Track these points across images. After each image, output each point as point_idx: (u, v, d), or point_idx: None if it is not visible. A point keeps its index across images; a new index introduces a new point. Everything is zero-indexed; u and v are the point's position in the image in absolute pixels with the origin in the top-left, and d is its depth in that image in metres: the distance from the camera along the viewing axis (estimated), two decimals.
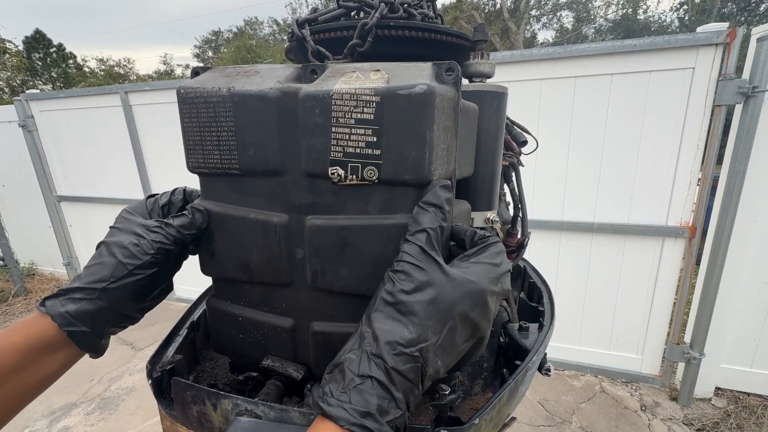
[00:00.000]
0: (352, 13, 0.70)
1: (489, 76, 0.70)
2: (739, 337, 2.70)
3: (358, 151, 0.45)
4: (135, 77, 31.11)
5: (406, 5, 0.67)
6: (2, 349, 0.45)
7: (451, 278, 0.41)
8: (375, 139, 0.44)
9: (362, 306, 0.44)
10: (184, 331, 0.65)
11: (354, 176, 0.45)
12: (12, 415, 0.46)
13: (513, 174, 0.87)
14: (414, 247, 0.41)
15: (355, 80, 0.46)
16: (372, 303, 0.42)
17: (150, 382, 0.56)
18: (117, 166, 4.27)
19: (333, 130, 0.45)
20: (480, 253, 0.45)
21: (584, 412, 2.77)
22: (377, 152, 0.44)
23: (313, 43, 0.66)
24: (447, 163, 0.47)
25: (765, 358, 2.69)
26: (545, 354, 0.70)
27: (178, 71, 33.21)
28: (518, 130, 0.90)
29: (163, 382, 0.56)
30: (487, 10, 21.21)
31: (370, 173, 0.44)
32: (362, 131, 0.44)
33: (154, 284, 0.54)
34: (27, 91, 4.48)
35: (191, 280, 4.81)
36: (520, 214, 0.89)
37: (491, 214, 0.70)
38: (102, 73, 30.00)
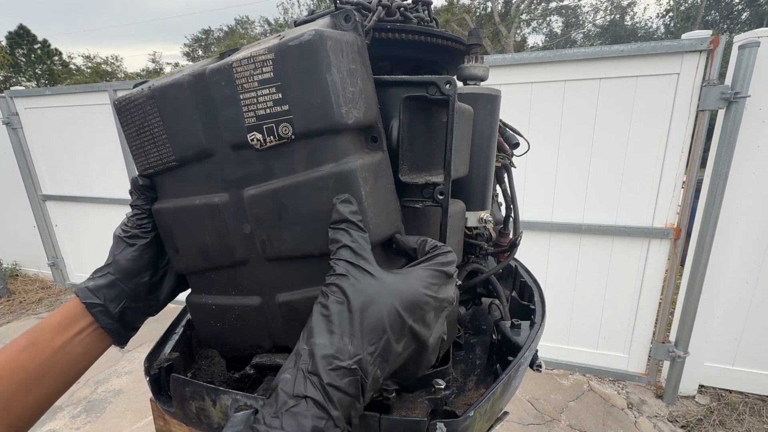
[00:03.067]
0: None
1: (483, 79, 0.72)
2: (722, 336, 2.77)
3: (268, 111, 0.45)
4: (123, 75, 30.60)
5: (402, 9, 0.68)
6: (40, 327, 0.52)
7: (384, 284, 0.41)
8: (280, 95, 0.44)
9: (316, 267, 0.44)
10: (180, 330, 0.65)
11: (271, 137, 0.46)
12: (49, 404, 0.51)
13: (505, 175, 0.89)
14: (340, 262, 0.41)
15: (254, 46, 0.48)
16: (308, 319, 0.41)
17: (148, 379, 0.56)
18: (105, 165, 4.20)
19: (241, 97, 0.46)
20: (427, 260, 0.45)
21: (573, 410, 2.82)
22: (286, 108, 0.45)
23: None
24: (365, 107, 0.46)
25: (746, 356, 2.77)
26: (536, 351, 0.72)
27: (168, 69, 32.80)
28: (510, 132, 0.92)
29: (161, 379, 0.56)
30: (478, 14, 21.41)
31: (285, 130, 0.45)
32: (267, 91, 0.45)
33: (154, 260, 0.60)
34: (12, 88, 4.38)
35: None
36: (512, 215, 0.91)
37: (485, 214, 0.72)
38: (89, 70, 29.44)
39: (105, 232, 4.49)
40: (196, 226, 0.55)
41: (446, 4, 21.73)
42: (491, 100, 0.69)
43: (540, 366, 0.70)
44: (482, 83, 0.73)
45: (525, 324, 0.72)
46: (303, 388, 0.36)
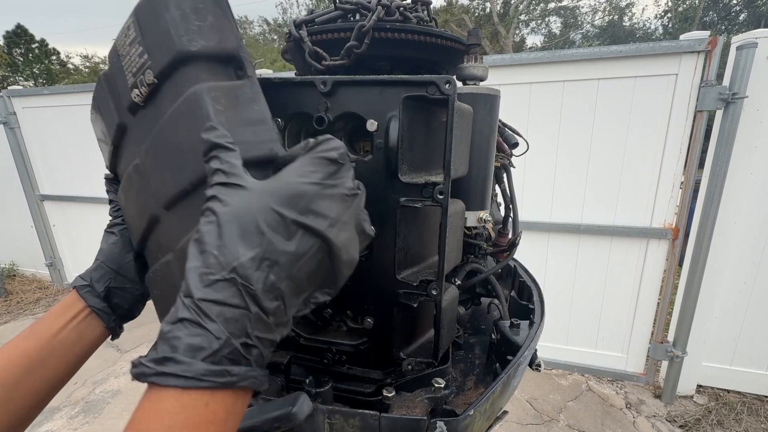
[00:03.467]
0: (349, 15, 0.71)
1: (482, 79, 0.72)
2: (720, 336, 2.78)
3: (137, 66, 0.49)
4: None
5: (402, 9, 0.68)
6: (43, 317, 0.55)
7: (256, 189, 0.38)
8: (141, 48, 0.48)
9: (198, 202, 0.44)
10: None
11: (143, 88, 0.49)
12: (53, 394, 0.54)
13: (504, 175, 0.90)
14: (212, 188, 0.39)
15: None
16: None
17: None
18: (102, 165, 4.17)
19: (122, 63, 0.51)
20: (306, 154, 0.42)
21: (571, 410, 2.82)
22: (146, 57, 0.48)
23: (311, 44, 0.66)
24: (217, 38, 0.47)
25: (744, 356, 2.78)
26: (536, 350, 0.72)
27: None
28: (510, 132, 0.92)
29: None
30: (477, 14, 21.43)
31: (149, 77, 0.48)
32: (134, 50, 0.49)
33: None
34: (9, 87, 4.37)
35: None
36: (511, 215, 0.91)
37: (484, 214, 0.72)
38: (87, 70, 29.33)
39: (102, 232, 4.48)
40: (128, 199, 0.58)
41: (445, 4, 21.76)
42: (491, 100, 0.69)
43: (539, 365, 0.70)
44: (482, 83, 0.73)
45: (524, 324, 0.72)
46: (178, 313, 0.34)
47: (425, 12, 0.76)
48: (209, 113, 0.44)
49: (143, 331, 3.98)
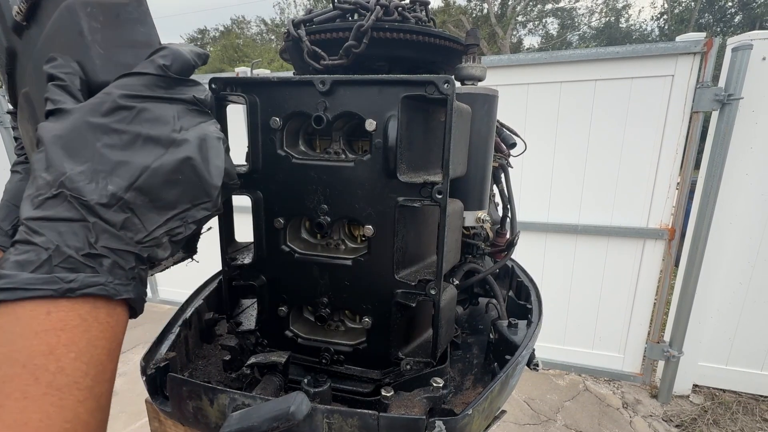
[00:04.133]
0: (347, 15, 0.71)
1: (480, 79, 0.72)
2: (716, 336, 2.80)
3: None
4: None
5: (400, 9, 0.68)
6: None
7: (77, 109, 0.37)
8: None
9: None
10: (176, 330, 0.64)
11: (23, 2, 0.45)
12: None
13: (502, 175, 0.90)
14: (42, 122, 0.38)
15: None
16: None
17: (144, 379, 0.55)
18: None
19: None
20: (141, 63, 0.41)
21: (568, 410, 2.83)
22: None
23: (309, 44, 0.66)
24: None
25: (740, 356, 2.80)
26: (534, 350, 0.72)
27: None
28: (507, 132, 0.92)
29: (157, 379, 0.56)
30: (474, 15, 21.48)
31: (22, 6, 0.45)
32: None
33: None
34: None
35: (175, 282, 4.67)
36: (509, 215, 0.92)
37: (482, 214, 0.72)
38: None
39: None
40: (24, 131, 0.55)
41: (443, 5, 21.81)
42: (489, 100, 0.69)
43: (537, 365, 0.70)
44: (480, 83, 0.73)
45: (522, 323, 0.72)
46: (12, 239, 0.35)
47: (423, 12, 0.76)
48: (83, 29, 0.41)
49: (139, 332, 3.95)
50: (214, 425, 0.49)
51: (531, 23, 22.43)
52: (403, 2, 0.71)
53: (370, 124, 0.53)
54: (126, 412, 2.89)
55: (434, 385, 0.49)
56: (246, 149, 0.62)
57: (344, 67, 0.67)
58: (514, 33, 21.48)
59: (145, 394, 0.60)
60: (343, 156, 0.59)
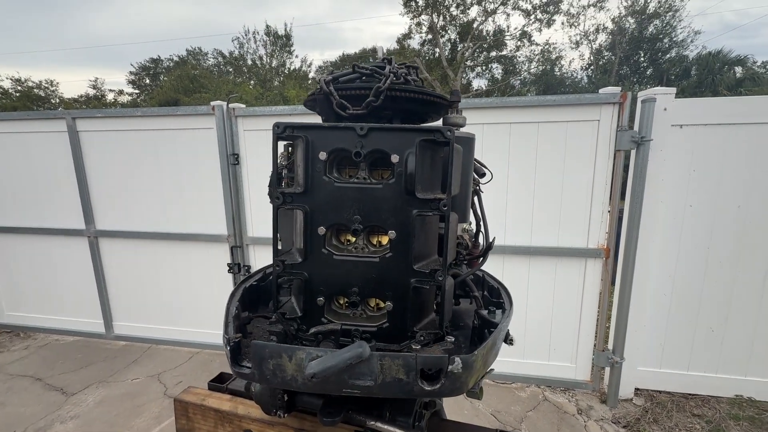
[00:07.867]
0: (362, 77, 0.94)
1: (462, 126, 0.98)
2: (650, 343, 3.20)
3: None
4: (58, 101, 28.61)
5: (404, 74, 0.93)
6: None
7: None
8: None
9: None
10: (231, 320, 0.79)
11: None
12: None
13: (476, 198, 1.15)
14: None
15: None
16: None
17: (228, 349, 0.69)
18: (54, 194, 4.01)
19: None
20: None
21: (531, 419, 3.05)
22: None
23: (338, 97, 0.88)
24: None
25: (670, 359, 3.21)
26: (508, 330, 0.94)
27: (110, 96, 31.20)
28: (478, 164, 1.19)
29: (235, 350, 0.69)
30: (427, 58, 23.16)
31: None
32: None
33: None
34: None
35: (132, 317, 4.42)
36: (482, 229, 1.16)
37: (466, 225, 0.95)
38: (17, 94, 27.21)
39: (46, 265, 4.20)
40: None
41: (398, 47, 23.34)
42: (469, 141, 0.94)
43: (512, 340, 0.92)
44: (461, 129, 0.98)
45: (498, 312, 0.94)
46: None
47: (415, 74, 1.02)
48: None
49: (91, 371, 3.70)
50: (290, 377, 0.64)
51: (478, 68, 24.57)
52: (400, 70, 0.96)
53: (395, 158, 0.75)
54: None
55: (448, 341, 0.68)
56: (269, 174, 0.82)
57: (363, 115, 0.89)
58: (464, 75, 23.34)
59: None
60: (370, 180, 0.80)
